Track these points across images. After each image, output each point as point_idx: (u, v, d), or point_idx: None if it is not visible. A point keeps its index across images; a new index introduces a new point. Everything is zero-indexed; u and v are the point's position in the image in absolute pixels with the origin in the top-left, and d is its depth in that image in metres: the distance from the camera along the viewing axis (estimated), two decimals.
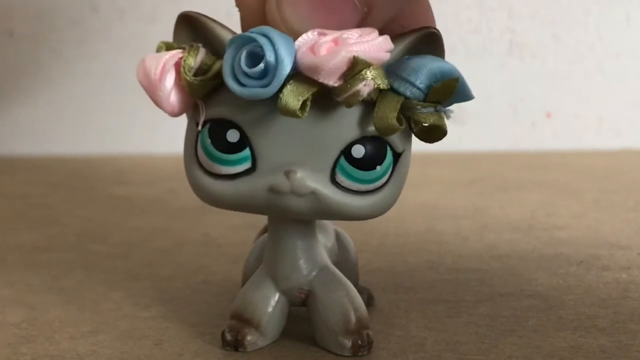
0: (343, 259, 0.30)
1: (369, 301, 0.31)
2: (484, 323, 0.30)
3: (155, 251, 0.39)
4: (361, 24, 0.24)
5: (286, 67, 0.23)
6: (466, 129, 0.65)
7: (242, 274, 0.30)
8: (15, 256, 0.39)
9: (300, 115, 0.23)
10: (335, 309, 0.27)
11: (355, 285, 0.29)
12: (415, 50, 0.25)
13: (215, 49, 0.25)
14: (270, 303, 0.27)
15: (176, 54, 0.25)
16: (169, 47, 0.25)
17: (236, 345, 0.27)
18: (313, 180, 0.25)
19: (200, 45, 0.25)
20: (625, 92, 0.67)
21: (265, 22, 0.24)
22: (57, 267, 0.37)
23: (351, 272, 0.30)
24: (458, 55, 0.65)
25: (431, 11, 0.26)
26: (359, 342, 0.27)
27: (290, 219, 0.26)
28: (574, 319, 0.30)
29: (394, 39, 0.24)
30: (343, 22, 0.24)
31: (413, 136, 0.25)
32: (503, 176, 0.57)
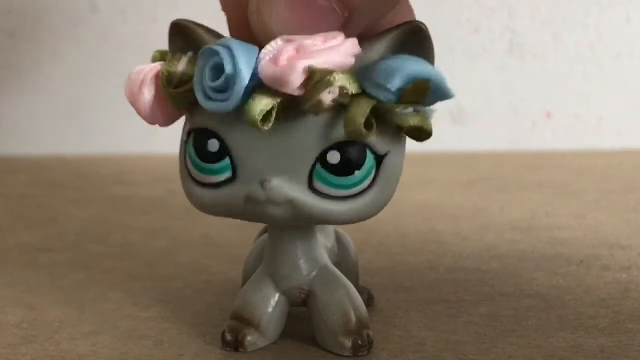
0: (343, 259, 0.30)
1: (369, 301, 0.31)
2: (484, 323, 0.30)
3: (155, 251, 0.39)
4: (342, 28, 0.24)
5: (244, 80, 0.23)
6: (466, 129, 0.65)
7: (242, 274, 0.30)
8: (15, 256, 0.39)
9: (261, 126, 0.23)
10: (335, 309, 0.27)
11: (355, 285, 0.29)
12: (400, 46, 0.24)
13: None
14: (270, 303, 0.27)
15: (156, 65, 0.25)
16: (163, 55, 0.25)
17: (236, 345, 0.27)
18: (289, 189, 0.24)
19: (183, 54, 0.25)
20: (625, 92, 0.67)
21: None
22: (57, 267, 0.37)
23: (351, 272, 0.30)
24: (458, 56, 0.65)
25: (413, 12, 0.26)
26: (359, 342, 0.27)
27: None
28: (574, 319, 0.30)
29: (378, 35, 0.24)
30: (323, 27, 0.23)
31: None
32: (503, 176, 0.57)
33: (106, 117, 0.67)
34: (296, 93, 0.23)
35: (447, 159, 0.60)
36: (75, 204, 0.50)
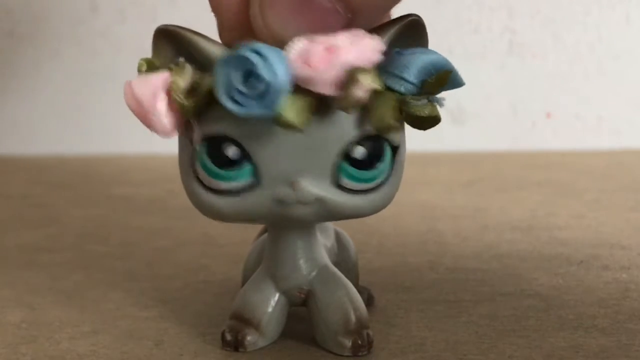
0: (343, 259, 0.30)
1: (369, 301, 0.31)
2: (484, 323, 0.30)
3: (155, 251, 0.39)
4: (344, 29, 0.24)
5: (285, 85, 0.23)
6: (466, 129, 0.65)
7: (242, 274, 0.30)
8: (15, 256, 0.39)
9: (302, 129, 0.23)
10: (335, 309, 0.27)
11: (355, 285, 0.29)
12: (400, 39, 0.25)
13: (199, 62, 0.25)
14: (270, 303, 0.27)
15: (165, 77, 0.24)
16: (149, 64, 0.25)
17: (236, 345, 0.27)
18: (317, 187, 0.25)
19: (184, 61, 0.24)
20: (625, 92, 0.67)
21: (244, 27, 0.24)
22: (57, 267, 0.37)
23: (351, 272, 0.30)
24: (458, 56, 0.65)
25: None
26: (359, 342, 0.27)
27: None
28: (574, 319, 0.30)
29: (378, 30, 0.25)
30: (326, 28, 0.24)
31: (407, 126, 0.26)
32: (503, 176, 0.57)
33: (106, 117, 0.67)
34: (331, 92, 0.23)
35: (447, 159, 0.60)
36: (75, 204, 0.50)
